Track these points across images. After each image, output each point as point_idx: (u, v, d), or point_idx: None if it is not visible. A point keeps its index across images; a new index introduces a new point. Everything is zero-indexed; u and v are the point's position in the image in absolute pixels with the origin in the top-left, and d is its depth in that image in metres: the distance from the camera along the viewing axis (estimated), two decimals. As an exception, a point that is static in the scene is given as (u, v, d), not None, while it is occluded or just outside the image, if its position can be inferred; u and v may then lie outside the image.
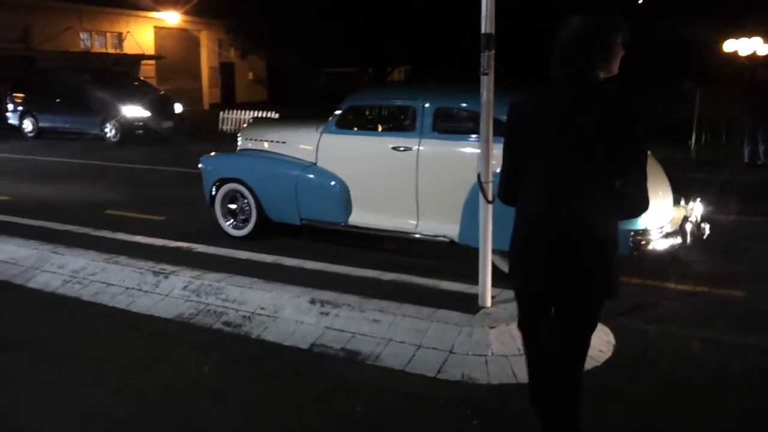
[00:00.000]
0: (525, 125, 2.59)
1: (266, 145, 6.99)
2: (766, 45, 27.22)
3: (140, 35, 27.68)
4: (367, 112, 6.90)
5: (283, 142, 6.81)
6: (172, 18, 27.97)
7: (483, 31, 4.04)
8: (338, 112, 6.38)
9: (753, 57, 26.12)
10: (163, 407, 3.54)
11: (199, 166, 7.17)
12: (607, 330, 4.43)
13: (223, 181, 6.91)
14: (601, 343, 4.24)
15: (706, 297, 5.23)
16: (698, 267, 5.72)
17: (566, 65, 2.53)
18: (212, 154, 7.37)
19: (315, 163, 6.44)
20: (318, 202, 6.35)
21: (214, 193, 6.97)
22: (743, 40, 27.52)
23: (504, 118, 4.93)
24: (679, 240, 5.20)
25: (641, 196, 2.50)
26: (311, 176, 6.38)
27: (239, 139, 7.38)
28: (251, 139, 7.20)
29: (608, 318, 4.59)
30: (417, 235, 5.91)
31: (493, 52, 4.08)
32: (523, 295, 2.77)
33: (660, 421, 3.43)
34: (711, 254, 5.93)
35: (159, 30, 28.78)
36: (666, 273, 5.57)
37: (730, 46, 27.86)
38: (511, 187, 2.66)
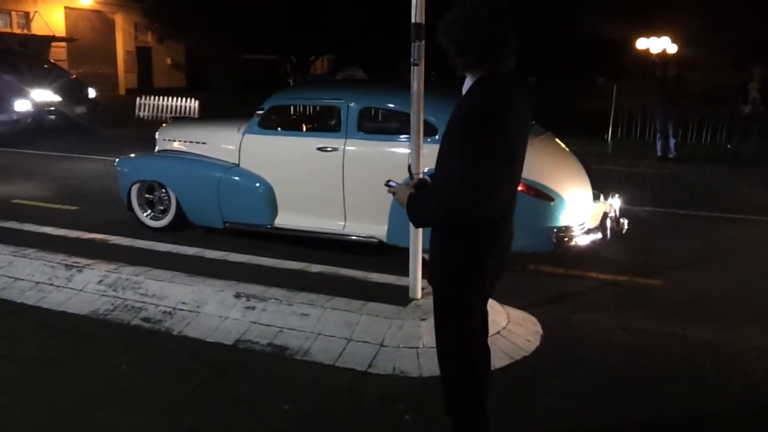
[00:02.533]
0: (513, 128, 2.40)
1: (186, 145, 6.72)
2: (674, 44, 28.60)
3: (50, 16, 26.28)
4: (291, 112, 6.74)
5: (204, 143, 6.56)
6: (85, -1, 26.73)
7: (413, 20, 3.96)
8: (260, 111, 6.19)
9: (663, 54, 27.38)
10: (75, 413, 3.31)
11: (116, 168, 6.82)
12: (534, 320, 4.49)
13: (141, 183, 6.65)
14: (529, 333, 4.29)
15: (626, 286, 5.38)
16: (618, 257, 5.88)
17: (502, 58, 2.42)
18: (130, 155, 7.03)
19: (237, 165, 6.23)
20: (242, 205, 6.15)
21: (131, 196, 6.69)
22: (653, 39, 28.82)
23: (432, 119, 5.00)
24: (599, 235, 5.34)
25: None
26: (234, 178, 6.17)
27: (157, 139, 7.07)
28: (170, 140, 6.90)
29: (535, 308, 4.67)
30: (345, 237, 5.83)
31: (424, 42, 4.02)
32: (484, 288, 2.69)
33: (587, 410, 3.48)
34: (629, 245, 6.12)
35: (70, 11, 27.42)
36: (588, 263, 5.70)
37: (642, 44, 29.10)
38: (498, 197, 2.43)
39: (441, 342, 2.77)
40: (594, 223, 5.46)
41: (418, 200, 2.53)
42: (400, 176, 4.62)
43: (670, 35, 28.81)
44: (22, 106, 14.47)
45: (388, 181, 2.76)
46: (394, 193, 2.71)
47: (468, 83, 2.48)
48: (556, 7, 25.91)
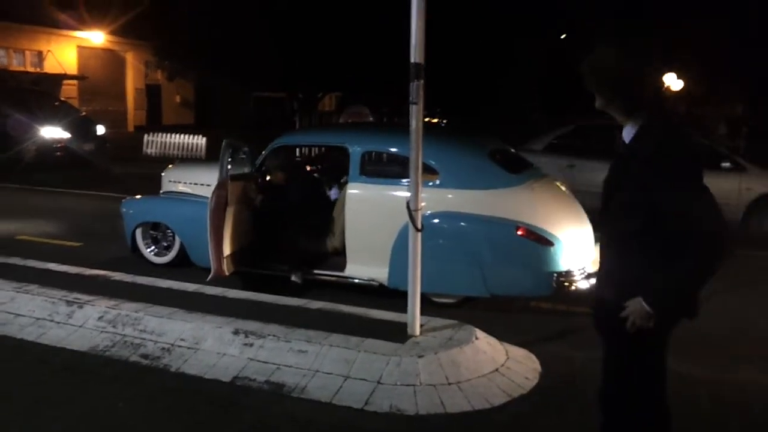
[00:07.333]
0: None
1: (191, 187, 6.78)
2: (679, 80, 28.78)
3: (62, 54, 26.72)
4: (295, 155, 6.81)
5: (209, 185, 6.60)
6: (97, 38, 27.16)
7: (412, 60, 4.04)
8: (264, 153, 6.25)
9: (668, 90, 27.53)
10: (72, 448, 3.31)
11: (121, 209, 6.89)
12: (533, 357, 4.45)
13: (145, 226, 6.70)
14: (528, 370, 4.26)
15: (628, 323, 5.33)
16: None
17: (663, 100, 2.51)
18: (135, 197, 7.08)
19: None
20: None
21: (135, 237, 6.74)
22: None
23: (432, 162, 5.06)
24: None
25: None
26: None
27: (162, 180, 7.14)
28: (175, 181, 6.97)
29: (535, 345, 4.64)
30: (346, 279, 5.83)
31: (422, 81, 4.08)
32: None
33: (586, 449, 3.43)
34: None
35: (82, 49, 27.87)
36: (590, 300, 5.65)
37: (646, 80, 29.24)
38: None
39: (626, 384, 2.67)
40: (595, 267, 5.43)
41: (671, 279, 2.41)
42: (401, 219, 4.68)
43: (675, 71, 28.99)
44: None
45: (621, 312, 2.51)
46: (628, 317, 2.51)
47: (632, 129, 2.46)
48: (561, 43, 26.21)
